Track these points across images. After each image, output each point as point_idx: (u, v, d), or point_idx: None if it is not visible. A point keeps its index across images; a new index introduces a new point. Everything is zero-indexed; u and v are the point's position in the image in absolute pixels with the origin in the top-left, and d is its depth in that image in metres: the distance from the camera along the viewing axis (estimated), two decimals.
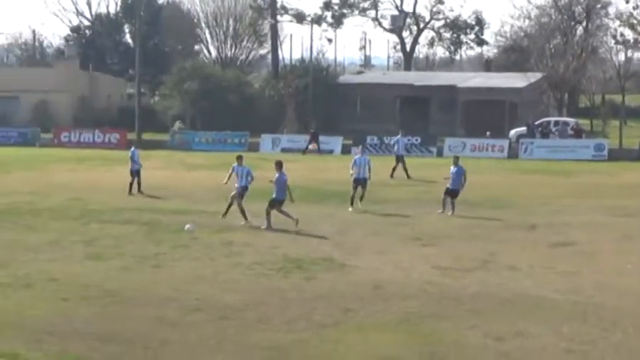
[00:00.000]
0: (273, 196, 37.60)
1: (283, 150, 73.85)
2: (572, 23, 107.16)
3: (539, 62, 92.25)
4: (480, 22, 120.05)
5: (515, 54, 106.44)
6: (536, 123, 78.83)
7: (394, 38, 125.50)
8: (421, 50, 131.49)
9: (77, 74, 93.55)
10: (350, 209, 41.67)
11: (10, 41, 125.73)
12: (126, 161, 49.39)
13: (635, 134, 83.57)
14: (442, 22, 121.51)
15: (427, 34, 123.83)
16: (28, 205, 41.95)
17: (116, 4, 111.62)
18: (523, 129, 78.75)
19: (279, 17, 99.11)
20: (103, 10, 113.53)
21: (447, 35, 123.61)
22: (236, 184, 38.70)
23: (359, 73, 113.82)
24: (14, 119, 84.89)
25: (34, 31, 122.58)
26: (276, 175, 37.87)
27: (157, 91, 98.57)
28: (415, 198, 41.52)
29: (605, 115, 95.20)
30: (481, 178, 54.40)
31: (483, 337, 22.22)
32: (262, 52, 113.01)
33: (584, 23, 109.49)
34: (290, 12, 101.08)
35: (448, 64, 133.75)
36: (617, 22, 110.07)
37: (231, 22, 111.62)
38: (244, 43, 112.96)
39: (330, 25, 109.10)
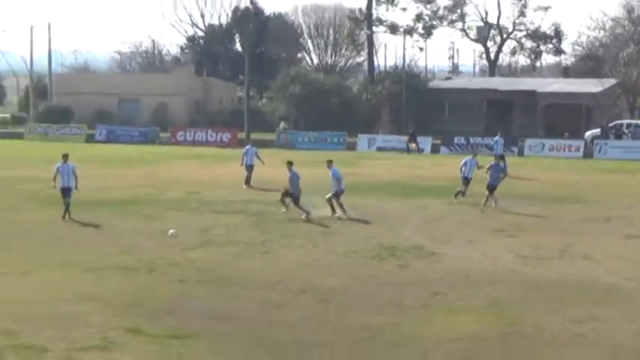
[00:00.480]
0: (290, 191, 37.99)
1: (378, 149, 73.80)
2: None
3: (614, 69, 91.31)
4: (558, 34, 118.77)
5: (591, 62, 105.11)
6: (610, 125, 77.97)
7: (480, 47, 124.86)
8: (504, 58, 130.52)
9: (192, 79, 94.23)
10: (453, 200, 41.85)
11: (133, 50, 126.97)
12: (237, 158, 49.73)
13: None
14: (524, 33, 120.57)
15: (510, 44, 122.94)
16: (149, 197, 42.47)
17: (227, 15, 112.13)
18: (597, 131, 77.94)
19: (374, 28, 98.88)
20: (215, 21, 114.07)
21: (528, 45, 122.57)
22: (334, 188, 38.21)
23: (447, 79, 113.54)
24: (136, 120, 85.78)
25: (153, 41, 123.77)
26: (289, 174, 38.29)
27: (264, 95, 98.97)
28: (500, 192, 41.35)
29: None
30: (559, 176, 54.15)
31: (561, 320, 22.21)
32: (359, 59, 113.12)
33: None
34: (385, 23, 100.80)
35: (529, 70, 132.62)
36: None
37: (331, 32, 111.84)
38: (343, 51, 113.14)
39: (421, 35, 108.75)
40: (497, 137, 59.07)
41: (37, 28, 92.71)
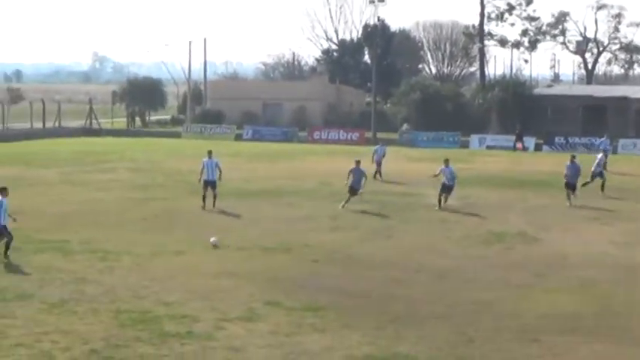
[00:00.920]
0: (350, 185, 36.67)
1: (488, 147, 73.09)
2: None
3: None
4: None
5: None
6: None
7: (578, 59, 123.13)
8: (600, 68, 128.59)
9: (326, 86, 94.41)
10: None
11: (276, 61, 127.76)
12: (364, 154, 49.54)
13: None
14: (618, 46, 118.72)
15: (605, 56, 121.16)
16: (288, 188, 42.62)
17: (358, 31, 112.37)
18: None
19: (486, 42, 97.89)
20: (347, 36, 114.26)
21: (622, 56, 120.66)
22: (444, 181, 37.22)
23: (549, 86, 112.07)
24: (278, 121, 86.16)
25: (293, 53, 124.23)
26: (353, 168, 36.96)
27: (388, 100, 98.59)
28: (597, 186, 40.67)
29: None
30: None
31: None
32: (472, 69, 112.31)
33: None
34: (495, 38, 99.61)
35: (623, 78, 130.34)
36: None
37: (448, 46, 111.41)
38: (458, 62, 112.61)
39: (527, 48, 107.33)
40: (603, 138, 57.63)
41: (194, 43, 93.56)
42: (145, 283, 22.70)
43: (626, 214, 35.98)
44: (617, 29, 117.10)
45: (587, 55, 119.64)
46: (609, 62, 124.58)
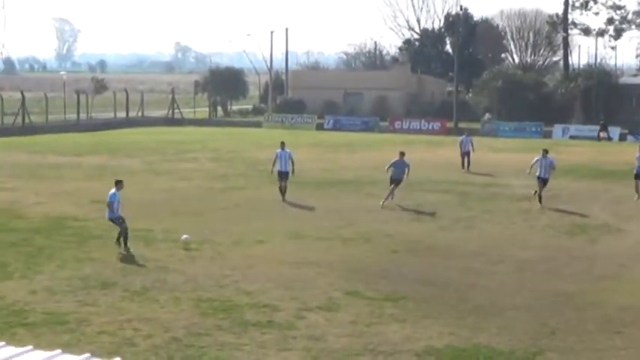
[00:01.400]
0: (391, 176, 34.94)
1: (571, 137, 72.35)
2: None
3: None
4: None
5: None
6: None
7: None
8: None
9: (408, 76, 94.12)
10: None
11: (357, 50, 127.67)
12: (445, 144, 49.48)
13: None
14: None
15: None
16: (368, 178, 42.57)
17: (440, 21, 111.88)
18: None
19: (569, 31, 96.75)
20: (429, 26, 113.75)
21: None
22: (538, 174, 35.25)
23: (635, 75, 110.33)
24: (359, 111, 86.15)
25: (375, 43, 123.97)
26: (396, 160, 35.28)
27: (470, 89, 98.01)
28: None
29: None
30: None
31: None
32: (555, 58, 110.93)
33: None
34: (579, 27, 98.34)
35: None
36: None
37: (531, 35, 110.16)
38: (541, 51, 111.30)
39: (612, 36, 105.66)
40: None
41: (276, 32, 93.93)
42: (226, 272, 22.87)
43: None
44: None
45: None
46: None
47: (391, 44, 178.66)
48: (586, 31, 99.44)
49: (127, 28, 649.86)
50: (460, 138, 48.28)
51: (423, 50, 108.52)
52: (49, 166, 45.81)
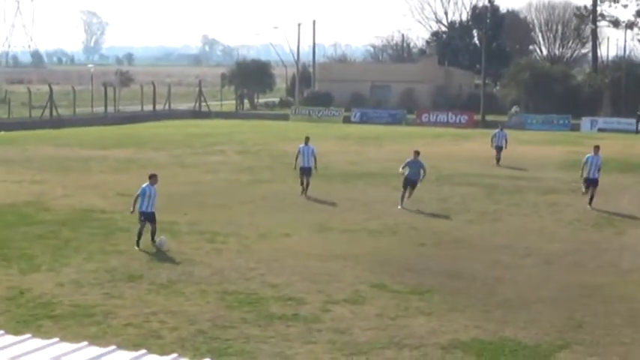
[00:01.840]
0: (407, 176, 32.73)
1: (599, 130, 72.03)
2: None
3: None
4: None
5: None
6: None
7: None
8: None
9: (435, 68, 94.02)
10: None
11: (384, 43, 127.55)
12: (473, 137, 49.32)
13: None
14: None
15: None
16: (395, 171, 42.32)
17: (467, 13, 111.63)
18: None
19: (598, 23, 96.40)
20: (457, 18, 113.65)
21: None
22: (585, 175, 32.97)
23: None
24: (386, 103, 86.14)
25: (402, 35, 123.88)
26: (410, 160, 33.10)
27: (497, 82, 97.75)
28: None
29: None
30: None
31: None
32: (584, 51, 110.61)
33: None
34: (608, 19, 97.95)
35: None
36: None
37: (559, 27, 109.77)
38: (570, 44, 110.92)
39: None
40: None
41: (303, 25, 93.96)
42: (252, 265, 22.91)
43: None
44: None
45: None
46: None
47: (418, 36, 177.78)
48: (615, 23, 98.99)
49: (155, 21, 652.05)
50: (494, 132, 47.70)
51: (450, 42, 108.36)
52: (76, 159, 46.01)
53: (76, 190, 35.12)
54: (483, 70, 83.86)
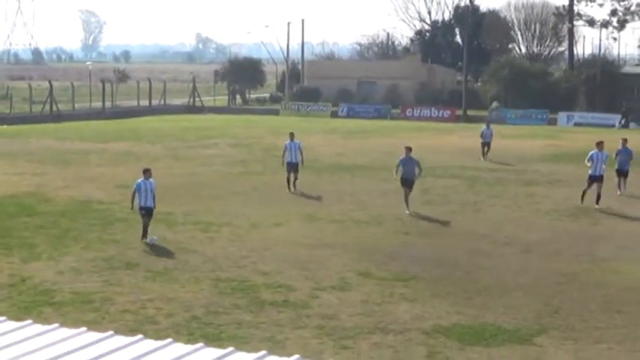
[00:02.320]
0: (402, 177, 29.96)
1: (575, 124, 72.13)
2: None
3: None
4: None
5: None
6: None
7: None
8: None
9: (419, 66, 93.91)
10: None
11: (370, 41, 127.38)
12: (455, 131, 49.27)
13: None
14: None
15: None
16: (381, 163, 42.41)
17: (450, 12, 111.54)
18: None
19: (575, 22, 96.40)
20: (439, 17, 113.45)
21: None
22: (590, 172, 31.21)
23: (637, 65, 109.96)
24: (372, 99, 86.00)
25: (387, 34, 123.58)
26: (403, 157, 30.27)
27: (478, 78, 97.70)
28: None
29: None
30: None
31: None
32: (561, 49, 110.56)
33: None
34: (584, 18, 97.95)
35: None
36: None
37: (537, 26, 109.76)
38: (547, 42, 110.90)
39: (615, 28, 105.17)
40: None
41: (293, 24, 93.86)
42: (244, 254, 22.91)
43: None
44: None
45: None
46: None
47: (403, 35, 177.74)
48: (591, 23, 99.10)
49: (151, 19, 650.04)
50: (481, 129, 47.01)
51: (433, 41, 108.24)
52: (76, 152, 45.90)
53: (76, 182, 35.05)
54: (465, 68, 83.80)
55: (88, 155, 44.40)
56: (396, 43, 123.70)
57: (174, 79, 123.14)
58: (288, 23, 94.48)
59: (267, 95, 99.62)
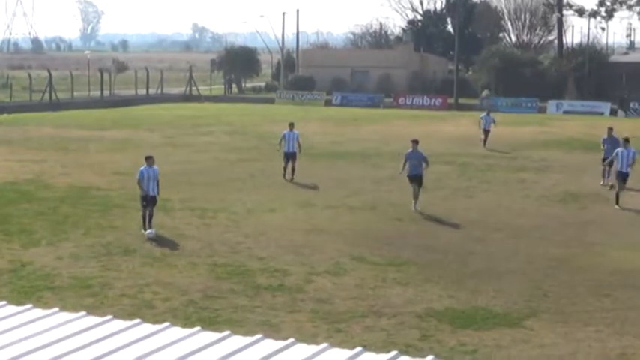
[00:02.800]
0: (410, 174, 27.71)
1: (565, 112, 72.06)
2: None
3: None
4: None
5: None
6: None
7: None
8: None
9: (411, 55, 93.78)
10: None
11: (364, 31, 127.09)
12: (446, 119, 49.23)
13: None
14: None
15: None
16: (374, 150, 42.52)
17: (442, 2, 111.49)
18: None
19: (564, 12, 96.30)
20: (431, 7, 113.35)
21: None
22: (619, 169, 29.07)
23: (625, 54, 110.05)
24: (366, 87, 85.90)
25: (380, 24, 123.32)
26: (409, 151, 27.90)
27: (470, 67, 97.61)
28: None
29: None
30: None
31: None
32: (550, 38, 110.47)
33: None
34: (573, 8, 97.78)
35: None
36: None
37: (527, 15, 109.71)
38: (537, 31, 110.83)
39: (603, 17, 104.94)
40: None
41: (287, 14, 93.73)
42: (240, 239, 22.90)
43: None
44: None
45: None
46: None
47: (395, 24, 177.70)
48: (579, 12, 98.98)
49: (148, 9, 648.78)
50: (481, 115, 46.35)
51: (425, 30, 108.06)
52: (75, 139, 45.79)
53: (75, 169, 34.99)
54: (456, 57, 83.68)
55: (86, 143, 44.31)
56: (389, 32, 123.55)
57: (171, 68, 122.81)
58: (283, 13, 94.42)
59: (262, 84, 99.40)
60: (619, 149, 29.41)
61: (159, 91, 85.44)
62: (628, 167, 28.82)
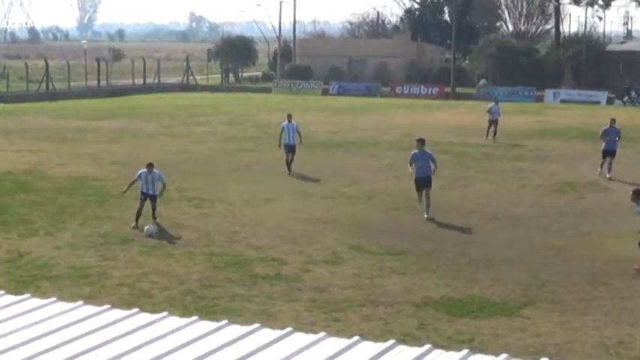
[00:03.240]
0: (416, 177, 25.57)
1: (562, 101, 72.08)
2: None
3: None
4: None
5: None
6: None
7: None
8: None
9: (408, 44, 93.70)
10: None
11: (361, 20, 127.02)
12: (443, 108, 49.14)
13: None
14: None
15: None
16: (371, 139, 42.49)
17: None
18: None
19: (561, 0, 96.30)
20: None
21: None
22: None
23: (622, 43, 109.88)
24: (363, 77, 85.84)
25: (377, 12, 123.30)
26: (416, 152, 25.62)
27: (467, 56, 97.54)
28: None
29: None
30: None
31: None
32: (547, 27, 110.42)
33: None
34: None
35: None
36: None
37: (524, 4, 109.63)
38: (534, 20, 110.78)
39: (600, 6, 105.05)
40: None
41: (285, 3, 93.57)
42: (237, 229, 22.92)
43: None
44: None
45: None
46: None
47: (392, 13, 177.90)
48: (576, 1, 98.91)
49: None
50: (489, 105, 45.13)
51: (422, 19, 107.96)
52: (72, 129, 45.75)
53: (72, 159, 34.97)
54: (453, 46, 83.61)
55: (83, 133, 44.28)
56: (386, 21, 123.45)
57: (168, 58, 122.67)
58: (280, 2, 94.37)
59: (259, 73, 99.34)
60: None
61: (156, 80, 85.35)
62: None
